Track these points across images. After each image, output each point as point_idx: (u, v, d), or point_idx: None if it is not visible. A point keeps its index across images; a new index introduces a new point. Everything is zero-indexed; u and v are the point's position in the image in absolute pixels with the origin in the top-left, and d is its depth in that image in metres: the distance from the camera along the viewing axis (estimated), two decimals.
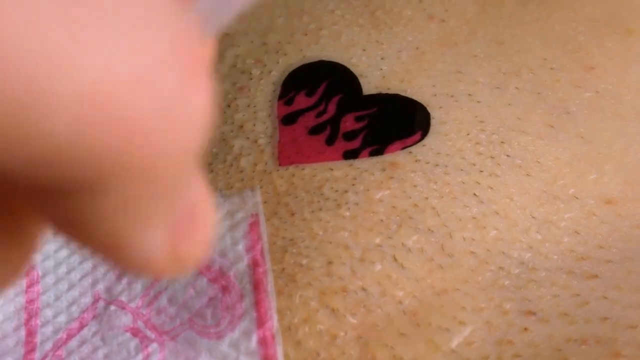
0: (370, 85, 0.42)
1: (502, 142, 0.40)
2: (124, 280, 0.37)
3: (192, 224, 0.19)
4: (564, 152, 0.40)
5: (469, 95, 0.41)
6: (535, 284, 0.36)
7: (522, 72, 0.42)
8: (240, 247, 0.36)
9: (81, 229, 0.17)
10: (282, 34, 0.44)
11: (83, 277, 0.37)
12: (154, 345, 0.35)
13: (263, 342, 0.34)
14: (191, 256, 0.19)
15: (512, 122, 0.40)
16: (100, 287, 0.37)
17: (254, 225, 0.37)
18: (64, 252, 0.38)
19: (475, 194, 0.38)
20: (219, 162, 0.40)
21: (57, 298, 0.37)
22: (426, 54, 0.43)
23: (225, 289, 0.35)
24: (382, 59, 0.43)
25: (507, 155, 0.39)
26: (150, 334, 0.35)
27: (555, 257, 0.37)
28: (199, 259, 0.20)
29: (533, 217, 0.38)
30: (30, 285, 0.37)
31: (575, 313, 0.35)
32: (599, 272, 0.36)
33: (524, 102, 0.41)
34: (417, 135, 0.40)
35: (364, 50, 0.43)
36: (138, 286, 0.36)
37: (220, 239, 0.37)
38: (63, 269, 0.37)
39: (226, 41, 0.45)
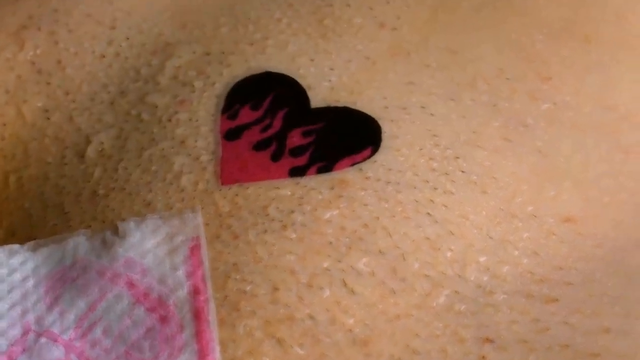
0: (318, 97, 0.40)
1: (456, 157, 0.38)
2: (56, 310, 0.34)
3: None
4: (521, 167, 0.38)
5: (422, 107, 0.39)
6: (492, 309, 0.34)
7: (477, 82, 0.41)
8: (180, 273, 0.34)
9: None
10: (226, 44, 0.42)
11: (12, 307, 0.35)
12: None
13: None
14: None
15: (467, 135, 0.39)
16: (31, 317, 0.34)
17: (194, 249, 0.34)
18: None
19: (428, 213, 0.36)
20: (158, 180, 0.37)
21: None
22: (377, 63, 0.41)
23: (164, 319, 0.33)
24: (330, 69, 0.41)
25: (462, 171, 0.37)
26: None
27: (514, 279, 0.35)
28: None
29: (490, 237, 0.36)
30: None
31: (535, 340, 0.33)
32: (559, 295, 0.35)
33: (479, 115, 0.40)
34: (368, 151, 0.38)
35: (312, 60, 0.41)
36: (71, 316, 0.34)
37: (158, 265, 0.34)
38: None
39: (167, 51, 0.43)
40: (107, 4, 0.45)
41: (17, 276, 0.35)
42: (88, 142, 0.40)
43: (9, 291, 0.35)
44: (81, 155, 0.40)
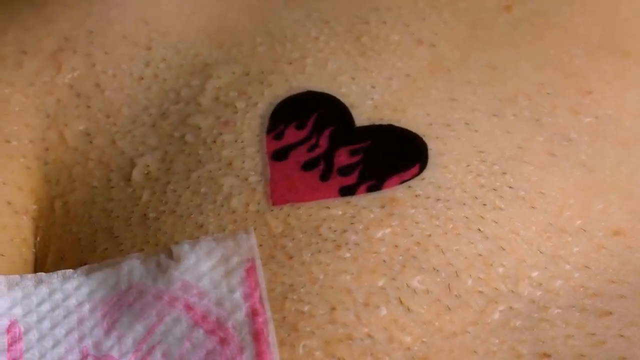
0: (362, 116, 0.40)
1: (503, 172, 0.38)
2: (114, 334, 0.34)
3: None
4: (567, 182, 0.38)
5: (466, 124, 0.39)
6: (547, 324, 0.34)
7: (518, 98, 0.40)
8: (238, 295, 0.34)
9: None
10: (265, 63, 0.42)
11: (69, 332, 0.34)
12: None
13: None
14: None
15: (512, 151, 0.38)
16: (89, 342, 0.34)
17: (250, 270, 0.34)
18: (46, 306, 0.35)
19: (479, 229, 0.36)
20: (209, 202, 0.37)
21: (42, 356, 0.34)
22: (417, 81, 0.41)
23: (223, 341, 0.33)
24: (372, 87, 0.41)
25: (510, 187, 0.37)
26: None
27: (567, 294, 0.35)
28: None
29: (541, 252, 0.36)
30: (12, 343, 0.34)
31: (592, 353, 0.33)
32: (612, 309, 0.35)
33: (522, 130, 0.39)
34: (416, 168, 0.38)
35: (353, 78, 0.41)
36: (129, 340, 0.34)
37: (215, 287, 0.34)
38: (47, 324, 0.35)
39: (205, 71, 0.43)
40: (142, 25, 0.45)
41: (73, 301, 0.35)
42: (133, 165, 0.40)
43: (65, 316, 0.35)
44: (127, 179, 0.39)
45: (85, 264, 0.36)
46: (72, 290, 0.35)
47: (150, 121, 0.41)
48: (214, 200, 0.37)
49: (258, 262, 0.34)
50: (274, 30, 0.44)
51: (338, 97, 0.40)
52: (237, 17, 0.45)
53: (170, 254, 0.35)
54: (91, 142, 0.41)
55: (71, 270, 0.36)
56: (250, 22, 0.45)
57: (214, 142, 0.39)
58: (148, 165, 0.39)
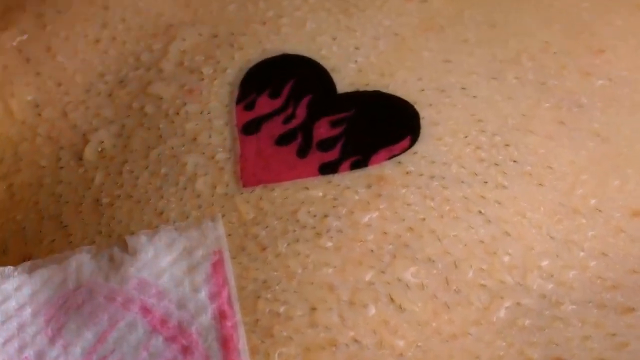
0: (344, 81, 0.36)
1: (506, 144, 0.34)
2: (60, 342, 0.30)
3: None
4: (579, 155, 0.35)
5: (463, 88, 0.36)
6: (561, 323, 0.31)
7: (521, 58, 0.37)
8: (203, 294, 0.30)
9: None
10: (236, 24, 0.38)
11: (7, 340, 0.30)
12: None
13: None
14: None
15: (515, 119, 0.35)
16: (30, 352, 0.30)
17: (217, 265, 0.31)
18: None
19: (480, 212, 0.32)
20: (170, 184, 0.33)
21: None
22: (407, 40, 0.37)
23: (186, 350, 0.29)
24: (356, 48, 0.37)
25: (514, 161, 0.34)
26: None
27: (582, 286, 0.32)
28: None
29: (551, 237, 0.33)
30: None
31: (614, 357, 0.30)
32: (635, 304, 0.31)
33: (527, 95, 0.36)
34: (406, 141, 0.34)
35: (334, 39, 0.37)
36: (77, 350, 0.30)
37: (177, 286, 0.30)
38: None
39: (169, 33, 0.38)
40: None
41: (12, 304, 0.31)
42: (86, 141, 0.36)
43: (4, 322, 0.31)
44: (79, 157, 0.36)
45: (30, 258, 0.33)
46: (11, 291, 0.31)
47: (107, 90, 0.37)
48: (176, 182, 0.34)
49: (226, 255, 0.31)
50: None
51: (317, 60, 0.37)
52: None
53: (125, 247, 0.31)
54: (40, 115, 0.37)
55: (11, 267, 0.32)
56: None
57: (177, 113, 0.36)
58: (102, 142, 0.35)
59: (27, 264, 0.32)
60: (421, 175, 0.33)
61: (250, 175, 0.33)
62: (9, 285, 0.31)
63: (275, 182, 0.33)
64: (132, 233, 0.32)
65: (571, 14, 0.39)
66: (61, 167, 0.36)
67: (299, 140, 0.34)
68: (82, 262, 0.31)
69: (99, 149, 0.35)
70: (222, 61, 0.37)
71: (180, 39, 0.38)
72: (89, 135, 0.36)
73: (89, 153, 0.35)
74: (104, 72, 0.38)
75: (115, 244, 0.32)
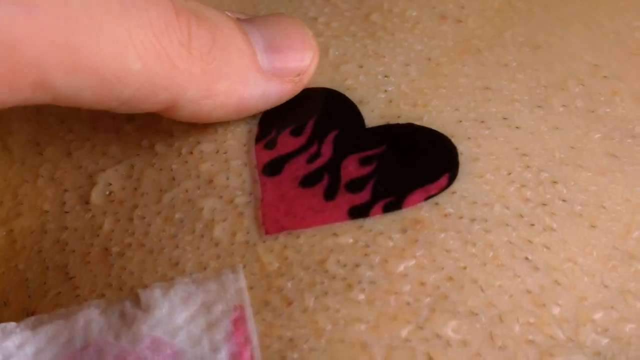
0: (373, 114, 0.33)
1: (554, 181, 0.32)
2: None
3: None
4: (634, 191, 0.32)
5: (504, 119, 0.33)
6: None
7: (568, 84, 0.34)
8: (223, 355, 0.28)
9: None
10: None
11: None
12: None
13: None
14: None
15: (563, 153, 0.32)
16: None
17: (238, 322, 0.28)
18: None
19: (527, 258, 0.30)
20: (186, 232, 0.31)
21: None
22: (442, 66, 0.35)
23: None
24: (385, 76, 0.34)
25: (563, 200, 0.31)
26: None
27: None
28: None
29: (605, 286, 0.30)
30: None
31: None
32: None
33: (575, 125, 0.33)
34: (444, 179, 0.31)
35: (361, 67, 0.35)
36: None
37: (194, 345, 0.28)
38: None
39: None
40: None
41: None
42: (92, 183, 0.34)
43: None
44: (85, 201, 0.33)
45: (33, 313, 0.31)
46: (13, 349, 0.29)
47: (114, 125, 0.34)
48: (192, 230, 0.31)
49: (248, 311, 0.28)
50: (264, 10, 0.38)
51: (342, 91, 0.34)
52: None
53: (137, 302, 0.29)
54: (41, 154, 0.35)
55: (13, 323, 0.30)
56: (236, 1, 0.39)
57: (191, 153, 0.33)
58: (110, 184, 0.33)
59: (31, 319, 0.30)
60: (461, 218, 0.30)
61: (273, 221, 0.31)
62: (11, 342, 0.29)
63: (301, 228, 0.30)
64: (145, 286, 0.30)
65: (623, 34, 0.36)
66: (66, 212, 0.33)
67: (326, 181, 0.31)
68: (90, 318, 0.29)
69: (107, 192, 0.33)
70: None
71: None
72: (96, 176, 0.33)
73: (96, 196, 0.33)
74: None
75: (126, 298, 0.29)
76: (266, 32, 0.32)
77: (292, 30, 0.32)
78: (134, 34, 0.27)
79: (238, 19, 0.32)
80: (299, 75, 0.32)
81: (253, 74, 0.31)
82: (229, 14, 0.32)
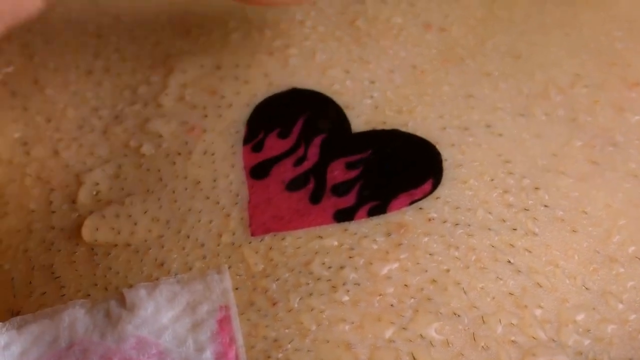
0: (359, 119, 0.34)
1: (536, 187, 0.32)
2: None
3: None
4: (615, 197, 0.32)
5: (487, 126, 0.34)
6: None
7: (549, 92, 0.35)
8: (208, 354, 0.28)
9: None
10: (240, 55, 0.36)
11: None
12: None
13: None
14: None
15: (545, 160, 0.33)
16: None
17: (224, 322, 0.28)
18: None
19: (509, 261, 0.30)
20: (172, 233, 0.31)
21: None
22: (426, 73, 0.35)
23: None
24: (371, 82, 0.35)
25: (545, 206, 0.32)
26: None
27: (622, 342, 0.30)
28: None
29: (586, 288, 0.31)
30: None
31: None
32: None
33: (557, 133, 0.34)
34: (428, 185, 0.32)
35: (347, 72, 0.35)
36: None
37: (179, 345, 0.28)
38: None
39: (168, 64, 0.36)
40: (90, 6, 0.39)
41: None
42: (79, 182, 0.34)
43: None
44: (72, 201, 0.33)
45: (18, 312, 0.31)
46: None
47: (101, 126, 0.35)
48: (178, 230, 0.31)
49: (233, 311, 0.29)
50: (251, 14, 0.38)
51: (329, 95, 0.34)
52: None
53: (122, 301, 0.29)
54: (28, 153, 0.35)
55: None
56: (222, 3, 0.38)
57: (179, 154, 0.33)
58: (97, 184, 0.33)
59: (16, 319, 0.30)
60: (445, 222, 0.31)
61: (259, 223, 0.31)
62: None
63: (287, 230, 0.31)
64: (131, 286, 0.30)
65: (603, 44, 0.37)
66: (53, 212, 0.33)
67: (312, 185, 0.32)
68: (75, 317, 0.29)
69: (94, 192, 0.33)
70: (227, 96, 0.34)
71: (181, 71, 0.36)
72: (83, 176, 0.34)
73: (83, 196, 0.33)
74: (98, 107, 0.36)
75: (112, 297, 0.30)
76: None
77: None
78: None
79: None
80: None
81: None
82: None
